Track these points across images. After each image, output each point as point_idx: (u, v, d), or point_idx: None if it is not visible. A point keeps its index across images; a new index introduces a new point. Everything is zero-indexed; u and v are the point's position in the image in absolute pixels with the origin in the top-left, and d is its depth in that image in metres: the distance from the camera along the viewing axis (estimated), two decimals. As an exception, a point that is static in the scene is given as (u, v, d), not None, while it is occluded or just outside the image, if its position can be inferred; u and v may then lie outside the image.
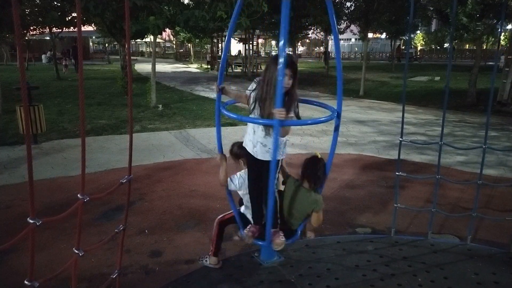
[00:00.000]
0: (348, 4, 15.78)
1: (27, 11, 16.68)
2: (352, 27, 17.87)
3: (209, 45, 31.10)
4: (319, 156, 2.74)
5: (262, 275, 2.83)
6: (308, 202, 2.67)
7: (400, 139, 3.31)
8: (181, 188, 4.82)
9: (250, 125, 2.65)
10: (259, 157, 2.56)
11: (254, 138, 2.58)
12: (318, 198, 2.69)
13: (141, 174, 5.26)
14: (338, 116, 2.67)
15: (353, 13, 14.97)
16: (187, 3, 10.43)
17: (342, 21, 16.42)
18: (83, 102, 1.70)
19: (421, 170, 5.60)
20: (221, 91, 2.69)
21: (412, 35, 39.10)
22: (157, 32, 8.77)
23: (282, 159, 2.66)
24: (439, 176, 3.27)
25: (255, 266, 2.98)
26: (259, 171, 2.60)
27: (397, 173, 3.34)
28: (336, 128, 2.72)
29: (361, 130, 8.27)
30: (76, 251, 1.91)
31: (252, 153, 2.60)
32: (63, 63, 23.25)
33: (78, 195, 1.84)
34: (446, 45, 37.61)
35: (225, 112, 2.61)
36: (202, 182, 5.00)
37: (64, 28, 18.14)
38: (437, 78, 18.96)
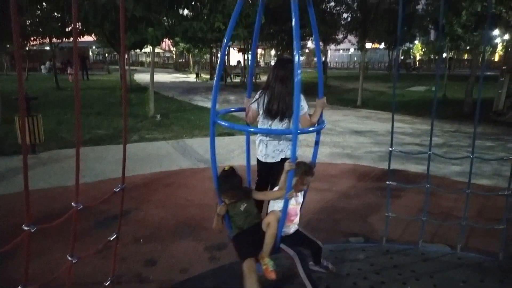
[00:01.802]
0: (345, 15, 16.02)
1: (28, 21, 16.91)
2: (351, 37, 18.09)
3: (208, 55, 31.44)
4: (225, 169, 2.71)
5: (254, 283, 2.87)
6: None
7: (390, 148, 3.37)
8: (177, 198, 4.87)
9: None
10: None
11: None
12: None
13: (137, 184, 5.31)
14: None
15: (350, 23, 15.19)
16: (186, 14, 10.60)
17: (339, 31, 16.66)
18: (79, 111, 1.76)
19: (416, 180, 5.65)
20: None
21: (410, 45, 39.54)
22: (156, 43, 8.90)
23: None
24: (428, 185, 3.32)
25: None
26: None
27: (387, 182, 3.40)
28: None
29: (357, 140, 8.33)
30: (70, 258, 1.97)
31: None
32: (68, 72, 23.70)
33: (72, 204, 1.90)
34: (444, 55, 37.91)
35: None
36: (198, 192, 5.04)
37: (64, 39, 18.30)
38: (434, 88, 19.08)
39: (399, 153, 6.72)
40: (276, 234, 2.55)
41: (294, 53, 2.22)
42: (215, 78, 2.83)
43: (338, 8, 15.80)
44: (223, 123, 2.68)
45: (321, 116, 2.93)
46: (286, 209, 2.44)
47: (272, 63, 30.50)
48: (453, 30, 9.99)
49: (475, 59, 12.40)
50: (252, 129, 2.80)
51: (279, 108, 2.82)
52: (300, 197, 2.70)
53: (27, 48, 24.41)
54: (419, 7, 15.43)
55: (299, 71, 2.18)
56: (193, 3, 9.86)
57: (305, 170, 2.60)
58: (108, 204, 4.14)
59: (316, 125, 2.89)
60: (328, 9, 16.08)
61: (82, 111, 11.18)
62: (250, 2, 10.80)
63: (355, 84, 20.14)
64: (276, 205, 2.60)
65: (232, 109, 3.25)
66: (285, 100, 2.81)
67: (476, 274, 3.01)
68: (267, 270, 2.56)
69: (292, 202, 2.60)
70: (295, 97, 2.19)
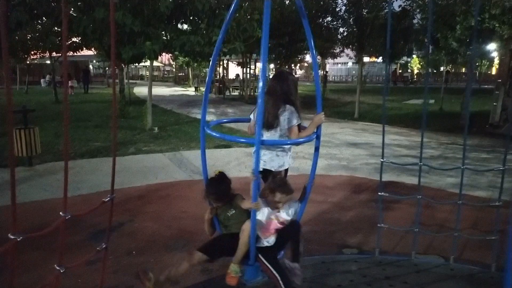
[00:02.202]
0: (341, 29, 16.24)
1: (29, 36, 17.13)
2: (349, 51, 18.27)
3: (207, 69, 31.71)
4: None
5: (245, 295, 2.86)
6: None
7: (382, 159, 3.39)
8: (172, 209, 4.87)
9: None
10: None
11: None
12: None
13: (132, 196, 5.31)
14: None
15: (346, 38, 15.39)
16: (185, 29, 10.74)
17: (336, 45, 16.89)
18: (68, 121, 1.79)
19: (411, 192, 5.63)
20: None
21: (408, 59, 39.90)
22: (154, 56, 8.99)
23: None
24: (420, 196, 3.34)
25: (239, 285, 2.99)
26: None
27: (379, 193, 3.41)
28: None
29: (353, 152, 8.36)
30: (58, 268, 1.97)
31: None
32: (70, 85, 24.58)
33: (60, 213, 1.92)
34: (442, 68, 38.17)
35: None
36: (193, 203, 5.03)
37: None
38: (432, 101, 19.24)
39: (395, 166, 6.74)
40: (249, 243, 2.55)
41: (261, 61, 2.27)
42: (205, 88, 2.88)
43: (335, 23, 16.05)
44: (213, 133, 2.72)
45: (317, 129, 2.92)
46: (254, 219, 2.45)
47: (271, 76, 30.79)
48: (448, 44, 10.11)
49: (469, 72, 12.52)
50: (242, 140, 2.83)
51: (265, 118, 2.86)
52: (283, 214, 2.66)
53: (28, 62, 24.62)
54: (415, 21, 15.61)
55: (262, 81, 2.23)
56: (191, 17, 10.00)
57: (272, 186, 2.56)
58: (102, 217, 4.14)
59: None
60: (325, 24, 16.32)
61: (80, 124, 11.24)
62: (249, 16, 10.94)
63: (353, 97, 20.29)
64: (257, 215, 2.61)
65: (224, 120, 3.30)
66: (270, 111, 2.87)
67: (468, 285, 3.01)
68: (229, 275, 2.62)
69: (271, 216, 2.61)
70: (258, 109, 2.25)
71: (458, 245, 3.63)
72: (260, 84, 2.28)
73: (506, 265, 1.66)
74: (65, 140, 1.88)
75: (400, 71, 43.32)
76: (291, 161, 3.18)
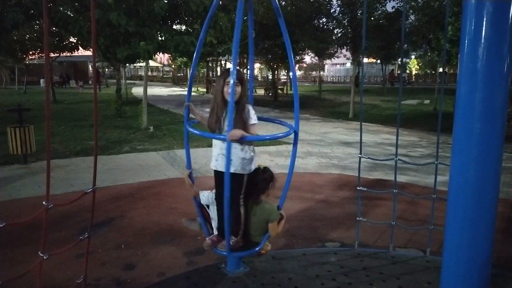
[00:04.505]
0: (336, 30, 16.37)
1: (27, 36, 17.26)
2: (347, 52, 18.41)
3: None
4: (261, 168, 2.94)
5: (226, 285, 2.97)
6: (262, 211, 2.91)
7: (360, 155, 3.52)
8: (162, 206, 4.99)
9: (213, 140, 2.90)
10: (219, 169, 2.81)
11: (215, 151, 2.84)
12: (270, 208, 2.92)
13: (124, 193, 5.43)
14: (296, 133, 2.97)
15: (341, 38, 15.52)
16: (180, 30, 10.86)
17: (332, 46, 17.05)
18: (50, 117, 1.91)
19: (400, 190, 5.77)
20: (188, 108, 2.97)
21: (406, 60, 40.09)
22: (148, 56, 9.11)
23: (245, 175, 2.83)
24: (396, 190, 3.46)
25: (221, 276, 3.12)
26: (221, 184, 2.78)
27: (357, 188, 3.53)
28: (294, 144, 3.03)
29: (345, 151, 8.49)
30: (41, 254, 2.10)
31: (214, 167, 2.86)
32: (79, 85, 26.40)
33: (43, 202, 2.04)
34: (440, 69, 38.32)
35: (190, 129, 2.87)
36: (182, 200, 5.15)
37: (62, 53, 18.61)
38: (427, 102, 19.37)
39: (385, 164, 6.86)
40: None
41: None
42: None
43: (329, 24, 16.19)
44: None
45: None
46: None
47: (269, 76, 30.92)
48: (439, 44, 10.24)
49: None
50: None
51: None
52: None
53: (26, 62, 24.81)
54: (409, 22, 15.72)
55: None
56: (185, 18, 10.12)
57: None
58: (74, 202, 4.25)
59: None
60: (321, 25, 16.45)
61: (76, 124, 11.36)
62: (245, 18, 11.06)
63: (349, 98, 20.43)
64: None
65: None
66: None
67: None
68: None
69: None
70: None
71: (437, 239, 3.75)
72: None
73: (443, 250, 1.78)
74: (47, 131, 2.00)
75: (399, 71, 43.53)
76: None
